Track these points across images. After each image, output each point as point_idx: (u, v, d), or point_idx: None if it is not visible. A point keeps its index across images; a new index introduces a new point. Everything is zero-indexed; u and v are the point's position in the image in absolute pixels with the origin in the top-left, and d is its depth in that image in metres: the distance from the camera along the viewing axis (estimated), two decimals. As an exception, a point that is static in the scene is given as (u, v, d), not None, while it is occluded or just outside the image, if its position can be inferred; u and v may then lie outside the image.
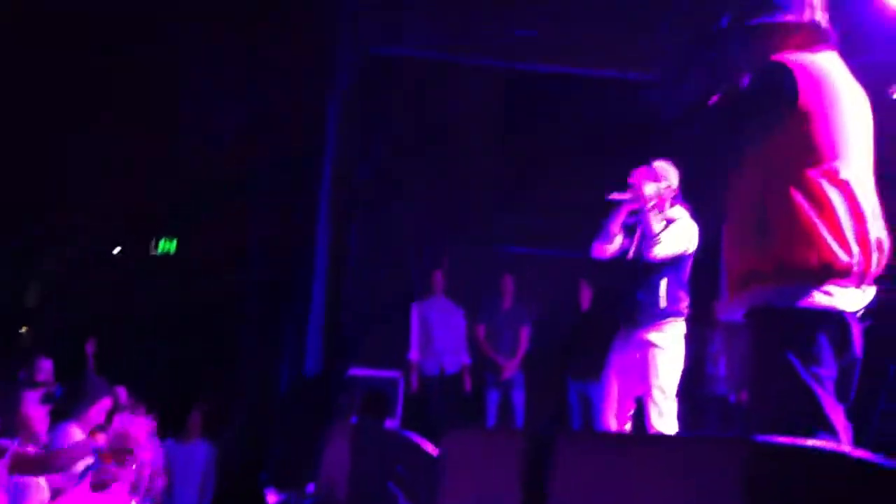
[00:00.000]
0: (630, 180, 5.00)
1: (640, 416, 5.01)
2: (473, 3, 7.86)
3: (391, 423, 7.65)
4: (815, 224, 2.82)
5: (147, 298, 9.60)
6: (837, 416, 2.80)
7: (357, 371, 7.61)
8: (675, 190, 5.11)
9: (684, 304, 5.08)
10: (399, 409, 7.96)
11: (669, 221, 5.05)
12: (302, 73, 7.50)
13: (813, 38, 3.15)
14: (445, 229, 8.77)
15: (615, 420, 5.08)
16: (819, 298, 2.82)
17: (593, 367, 8.16)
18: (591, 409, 8.24)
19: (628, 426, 5.09)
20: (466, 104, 8.54)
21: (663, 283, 5.00)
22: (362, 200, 8.40)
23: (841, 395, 2.86)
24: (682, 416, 8.26)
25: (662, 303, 4.98)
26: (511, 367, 8.25)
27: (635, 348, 5.03)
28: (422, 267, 8.16)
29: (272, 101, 7.57)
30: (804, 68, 2.98)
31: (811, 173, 2.87)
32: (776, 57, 3.06)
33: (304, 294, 7.16)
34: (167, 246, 10.29)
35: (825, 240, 2.82)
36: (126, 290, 9.90)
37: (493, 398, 8.29)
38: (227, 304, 8.11)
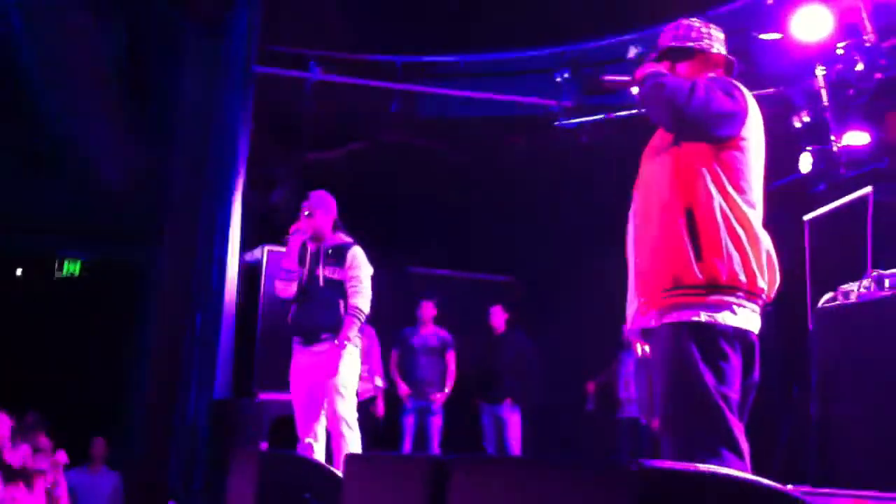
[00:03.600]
0: (303, 213, 5.31)
1: None
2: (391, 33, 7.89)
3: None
4: (743, 245, 2.88)
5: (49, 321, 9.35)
6: (741, 437, 2.84)
7: (267, 395, 7.48)
8: (334, 216, 5.43)
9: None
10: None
11: (339, 245, 5.34)
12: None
13: (728, 70, 3.24)
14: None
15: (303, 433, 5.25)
16: (733, 318, 2.87)
17: (506, 389, 8.26)
18: (504, 431, 8.28)
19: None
20: (380, 130, 8.53)
21: (341, 302, 5.25)
22: (274, 223, 8.28)
23: (739, 417, 2.91)
24: (593, 441, 8.43)
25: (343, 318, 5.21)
26: (440, 399, 8.23)
27: (315, 360, 5.19)
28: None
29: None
30: (746, 94, 3.05)
31: (740, 197, 2.94)
32: (721, 76, 3.11)
33: (214, 318, 7.03)
34: (71, 268, 10.01)
35: (750, 262, 2.88)
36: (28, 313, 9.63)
37: (409, 423, 8.24)
38: (129, 328, 7.93)
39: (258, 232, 7.76)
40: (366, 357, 7.95)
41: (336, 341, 5.15)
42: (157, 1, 7.21)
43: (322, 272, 5.28)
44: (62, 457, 6.36)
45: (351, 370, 5.20)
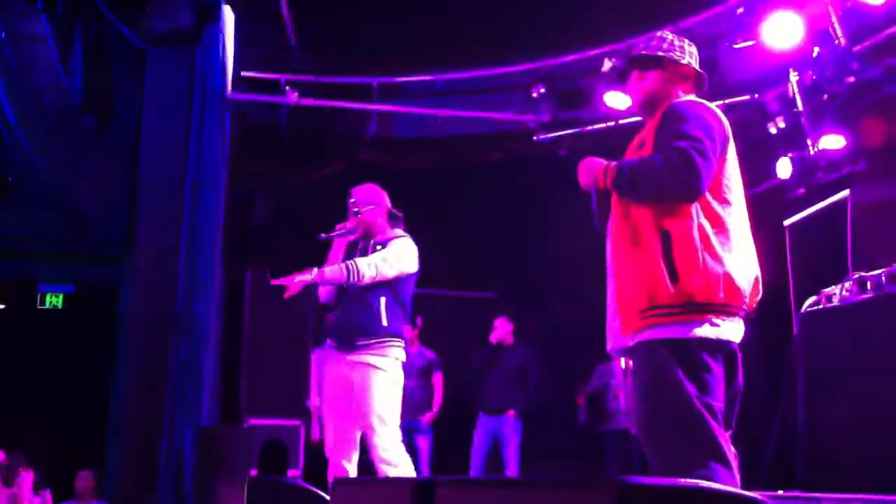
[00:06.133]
0: (351, 211, 4.76)
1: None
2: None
3: (293, 473, 7.49)
4: (723, 263, 2.88)
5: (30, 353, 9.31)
6: (728, 446, 2.84)
7: (255, 421, 7.43)
8: (386, 210, 4.86)
9: (404, 326, 4.70)
10: (301, 458, 7.79)
11: (388, 240, 4.74)
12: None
13: (697, 83, 3.27)
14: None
15: (335, 454, 4.60)
16: (712, 330, 2.87)
17: (510, 400, 8.21)
18: (502, 445, 8.23)
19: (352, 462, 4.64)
20: (362, 147, 8.53)
21: (383, 301, 4.60)
22: (257, 244, 8.28)
23: (726, 425, 2.91)
24: (584, 451, 8.41)
25: (384, 321, 4.56)
26: (428, 418, 8.18)
27: (350, 372, 4.59)
28: (319, 311, 8.07)
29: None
30: (718, 115, 3.07)
31: (718, 213, 2.95)
32: (690, 101, 3.13)
33: (197, 343, 6.98)
34: (54, 300, 9.95)
35: (731, 278, 2.88)
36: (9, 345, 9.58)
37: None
38: (113, 356, 7.88)
39: (239, 254, 7.73)
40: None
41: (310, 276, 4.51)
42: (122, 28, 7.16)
43: None
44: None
45: (389, 395, 4.50)
